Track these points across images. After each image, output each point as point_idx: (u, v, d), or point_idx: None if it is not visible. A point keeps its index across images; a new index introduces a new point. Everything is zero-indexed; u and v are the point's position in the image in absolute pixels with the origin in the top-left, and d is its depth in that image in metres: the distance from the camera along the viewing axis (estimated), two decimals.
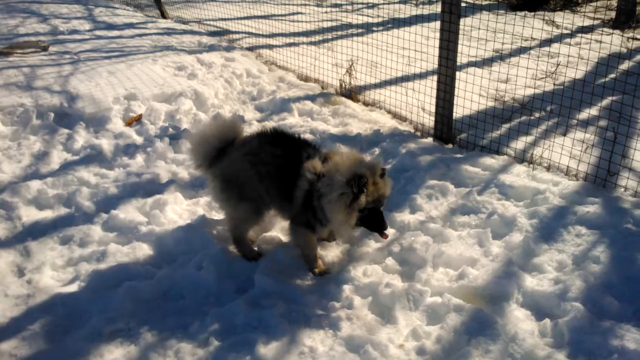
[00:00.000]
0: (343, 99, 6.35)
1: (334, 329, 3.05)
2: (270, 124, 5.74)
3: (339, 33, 8.94)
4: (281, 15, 10.45)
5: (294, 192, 3.37)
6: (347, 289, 3.34)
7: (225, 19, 9.87)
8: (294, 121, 5.76)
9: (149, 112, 5.90)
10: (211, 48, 7.99)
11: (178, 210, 4.24)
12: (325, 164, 3.30)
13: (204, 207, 4.30)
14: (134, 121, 5.78)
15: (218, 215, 4.19)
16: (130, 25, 9.36)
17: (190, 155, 3.79)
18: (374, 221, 3.30)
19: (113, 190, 4.49)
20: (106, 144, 5.25)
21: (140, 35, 8.74)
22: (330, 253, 3.72)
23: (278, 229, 3.99)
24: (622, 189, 4.23)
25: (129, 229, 4.00)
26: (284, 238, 3.86)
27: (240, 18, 9.76)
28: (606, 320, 3.02)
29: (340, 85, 6.57)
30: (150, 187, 4.51)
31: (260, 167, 3.46)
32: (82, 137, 5.43)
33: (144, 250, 3.78)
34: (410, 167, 4.73)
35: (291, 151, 3.46)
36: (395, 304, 3.21)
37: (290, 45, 8.30)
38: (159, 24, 9.50)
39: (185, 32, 9.03)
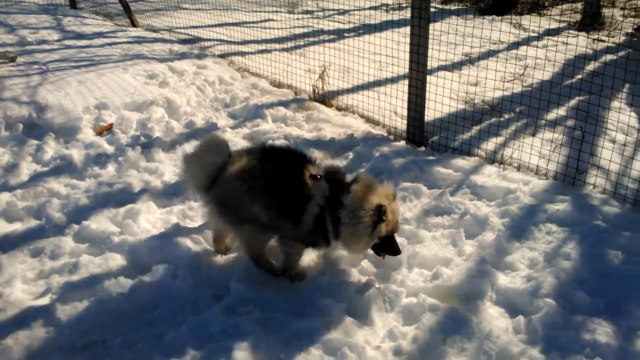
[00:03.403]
0: (316, 104, 6.37)
1: (311, 333, 3.04)
2: (244, 131, 5.72)
3: (311, 39, 8.97)
4: (253, 23, 10.45)
5: (300, 215, 3.27)
6: (323, 293, 3.34)
7: (196, 27, 9.82)
8: (267, 127, 5.76)
9: (120, 121, 5.82)
10: (183, 56, 7.94)
11: (151, 220, 4.19)
12: (346, 191, 3.22)
13: (178, 215, 4.26)
14: (105, 130, 5.70)
15: (192, 223, 4.16)
16: (100, 35, 9.25)
17: (188, 176, 3.63)
18: (388, 247, 3.29)
19: (84, 201, 4.42)
20: (76, 154, 5.17)
21: (110, 44, 8.63)
22: (306, 257, 3.71)
23: None
24: (591, 187, 4.33)
25: (101, 240, 3.94)
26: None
27: (212, 26, 9.72)
28: (578, 315, 3.08)
29: (314, 90, 6.59)
30: (122, 197, 4.45)
31: (252, 186, 3.32)
32: (51, 148, 5.34)
33: (117, 260, 3.73)
34: (383, 170, 4.77)
35: (288, 168, 3.36)
36: (371, 306, 3.21)
37: (262, 52, 8.30)
38: (129, 33, 9.40)
39: (156, 40, 8.96)
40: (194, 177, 3.50)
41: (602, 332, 2.95)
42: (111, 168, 4.98)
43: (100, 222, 4.12)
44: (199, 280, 3.46)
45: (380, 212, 3.13)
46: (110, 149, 5.33)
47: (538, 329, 2.99)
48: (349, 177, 3.43)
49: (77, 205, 4.37)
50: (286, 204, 3.30)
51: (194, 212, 4.28)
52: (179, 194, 4.55)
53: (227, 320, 3.12)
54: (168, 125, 5.82)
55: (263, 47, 8.65)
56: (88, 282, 3.50)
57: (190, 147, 4.24)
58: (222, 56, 8.31)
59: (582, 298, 3.20)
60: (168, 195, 4.56)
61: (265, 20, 10.73)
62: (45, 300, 3.38)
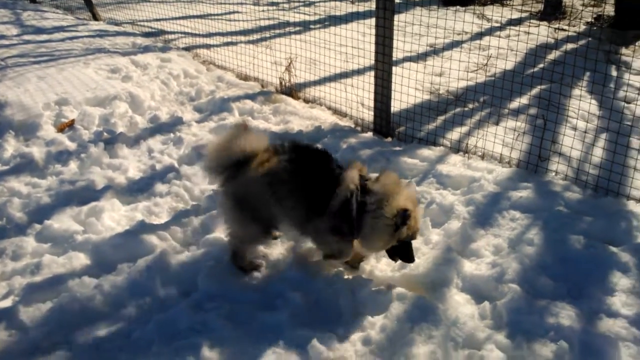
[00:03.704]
0: (283, 96, 6.34)
1: (279, 327, 3.04)
2: (210, 125, 5.65)
3: (277, 31, 8.91)
4: (218, 15, 10.32)
5: (329, 201, 3.16)
6: (291, 286, 3.34)
7: (160, 19, 9.65)
8: (234, 121, 5.70)
9: (81, 117, 5.69)
10: (146, 49, 7.80)
11: (115, 217, 4.11)
12: (372, 183, 3.21)
13: (143, 212, 4.19)
14: (66, 127, 5.56)
15: (158, 219, 4.10)
16: (60, 29, 9.01)
17: (208, 164, 3.44)
18: (404, 252, 3.24)
19: (46, 200, 4.31)
20: (37, 151, 5.04)
21: (70, 39, 8.42)
22: (275, 251, 3.71)
23: (222, 230, 3.92)
24: (553, 174, 4.42)
25: (64, 239, 3.85)
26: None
27: (176, 18, 9.57)
28: (542, 300, 3.15)
29: (280, 83, 6.55)
30: (85, 195, 4.36)
31: (280, 187, 3.22)
32: (11, 146, 5.19)
33: (81, 260, 3.65)
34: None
35: (316, 163, 3.28)
36: (339, 297, 3.23)
37: (228, 44, 8.21)
38: (90, 26, 9.18)
39: (118, 33, 8.78)
40: (218, 161, 3.34)
41: (566, 315, 3.02)
42: (73, 165, 4.87)
43: (63, 221, 4.03)
44: (166, 278, 3.42)
45: (404, 217, 3.08)
46: (72, 145, 5.20)
47: (503, 314, 3.04)
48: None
49: (38, 205, 4.26)
50: (315, 196, 3.19)
51: (159, 209, 4.22)
52: (144, 190, 4.47)
53: (195, 317, 3.09)
54: (132, 120, 5.72)
55: (228, 39, 8.56)
56: (51, 282, 3.43)
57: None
58: (187, 49, 8.19)
59: (546, 283, 3.27)
60: (133, 191, 4.48)
61: (230, 12, 10.61)
62: (7, 303, 3.31)
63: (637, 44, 7.22)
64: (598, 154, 4.59)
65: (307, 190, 3.20)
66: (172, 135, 5.39)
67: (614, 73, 6.31)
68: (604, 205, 3.95)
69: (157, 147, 5.21)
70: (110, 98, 6.07)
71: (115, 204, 4.23)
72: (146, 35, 8.88)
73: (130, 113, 5.91)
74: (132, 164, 4.91)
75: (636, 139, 4.71)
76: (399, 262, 3.47)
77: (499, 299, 3.16)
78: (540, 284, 3.27)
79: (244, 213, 3.30)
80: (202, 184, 4.52)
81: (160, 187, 4.49)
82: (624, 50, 7.00)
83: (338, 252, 3.34)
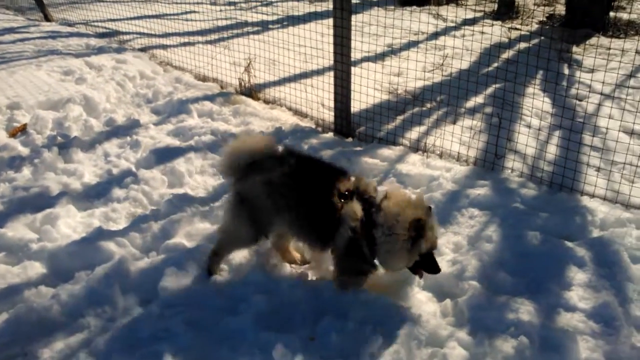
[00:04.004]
0: (243, 97, 6.29)
1: (243, 331, 3.02)
2: (169, 127, 5.56)
3: (236, 31, 8.84)
4: (174, 15, 10.16)
5: (333, 237, 3.08)
6: (254, 289, 3.31)
7: (114, 20, 9.43)
8: (193, 123, 5.62)
9: (34, 121, 5.51)
10: (100, 50, 7.62)
11: (72, 224, 4.00)
12: (378, 209, 3.02)
13: (100, 218, 4.09)
14: (19, 132, 5.37)
15: (116, 225, 4.01)
16: (11, 30, 8.71)
17: (221, 165, 3.41)
18: (428, 264, 3.09)
19: None
20: None
21: (22, 40, 8.15)
22: (238, 255, 3.67)
23: (183, 235, 3.87)
24: (509, 171, 4.53)
25: (19, 248, 3.72)
26: (188, 244, 3.75)
27: (131, 18, 9.36)
28: (502, 296, 3.21)
29: (240, 84, 6.50)
30: (39, 201, 4.22)
31: (278, 198, 3.17)
32: None
33: (36, 269, 3.53)
34: None
35: (318, 183, 3.17)
36: (303, 299, 3.22)
37: (185, 44, 8.09)
38: (42, 28, 8.90)
39: (71, 34, 8.54)
40: (230, 163, 3.27)
41: (525, 310, 3.08)
42: (26, 171, 4.71)
43: (17, 229, 3.90)
44: (125, 285, 3.34)
45: (418, 227, 2.92)
46: (24, 151, 5.03)
47: (464, 311, 3.10)
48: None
49: None
50: (315, 225, 3.14)
51: (117, 214, 4.12)
52: (100, 195, 4.37)
53: (157, 324, 3.03)
54: (86, 123, 5.57)
55: (186, 39, 8.44)
56: (6, 293, 3.31)
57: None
58: (143, 50, 8.04)
59: (505, 279, 3.34)
60: (89, 197, 4.36)
61: (187, 12, 10.46)
62: None
63: (587, 42, 7.47)
64: (552, 150, 4.74)
65: (304, 213, 3.14)
66: (128, 138, 5.27)
67: (566, 71, 6.52)
68: (558, 201, 4.08)
69: (114, 151, 5.09)
70: (63, 101, 5.90)
71: (71, 211, 4.11)
72: (100, 36, 8.67)
73: (85, 116, 5.76)
74: (87, 168, 4.78)
75: (588, 136, 4.88)
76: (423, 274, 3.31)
77: (460, 296, 3.21)
78: (499, 280, 3.34)
79: (243, 212, 3.27)
80: (161, 188, 4.44)
81: (117, 192, 4.39)
82: (575, 49, 7.24)
83: (353, 284, 3.24)
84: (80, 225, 4.01)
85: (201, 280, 3.41)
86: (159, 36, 8.61)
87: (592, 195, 4.15)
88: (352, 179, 3.20)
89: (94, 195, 4.38)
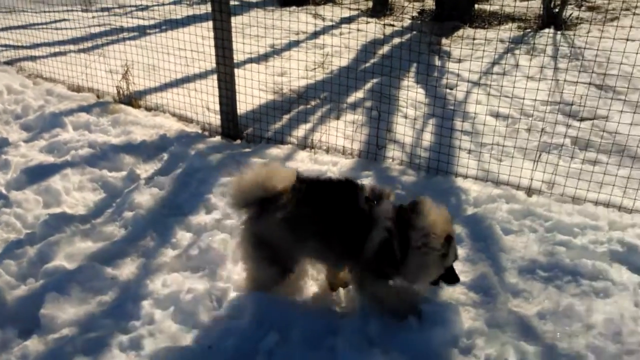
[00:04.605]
0: (123, 106, 6.05)
1: (137, 349, 2.91)
2: (41, 143, 5.20)
3: (111, 38, 8.45)
4: (44, 24, 9.50)
5: (363, 243, 2.91)
6: (146, 304, 3.20)
7: None
8: (68, 136, 5.31)
9: None
10: None
11: None
12: (414, 216, 2.91)
13: None
14: None
15: None
16: None
17: (232, 201, 3.20)
18: (449, 276, 3.05)
19: None
20: None
21: None
22: (125, 271, 3.53)
23: (63, 257, 3.64)
24: (390, 160, 4.76)
25: None
26: (69, 265, 3.53)
27: None
28: None
29: (118, 92, 6.24)
30: None
31: (300, 229, 2.98)
32: None
33: None
34: (201, 168, 4.71)
35: (340, 199, 3.00)
36: (198, 308, 3.17)
37: (56, 54, 7.61)
38: None
39: None
40: (243, 199, 3.10)
41: None
42: None
43: None
44: (3, 316, 3.10)
45: (450, 243, 2.89)
46: None
47: (356, 298, 3.20)
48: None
49: None
50: (347, 238, 2.94)
51: None
52: None
53: (43, 355, 2.85)
54: None
55: (57, 49, 7.93)
56: None
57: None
58: (9, 63, 7.47)
59: None
60: None
61: (57, 21, 9.83)
62: None
63: (455, 34, 7.99)
64: (427, 138, 5.03)
65: (331, 231, 2.95)
66: None
67: (437, 62, 6.93)
68: (435, 184, 4.34)
69: None
70: None
71: None
72: None
73: None
74: None
75: (459, 121, 5.23)
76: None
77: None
78: None
79: (264, 253, 3.07)
80: (35, 209, 4.15)
81: None
82: (444, 41, 7.71)
83: (381, 297, 3.06)
84: None
85: (85, 299, 3.25)
86: (27, 47, 8.03)
87: (465, 176, 4.46)
88: (368, 187, 3.09)
89: None
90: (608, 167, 4.40)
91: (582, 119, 5.14)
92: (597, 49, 5.32)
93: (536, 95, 4.97)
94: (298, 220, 2.96)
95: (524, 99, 5.31)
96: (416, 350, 2.84)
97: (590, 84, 5.42)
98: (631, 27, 4.94)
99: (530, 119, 5.27)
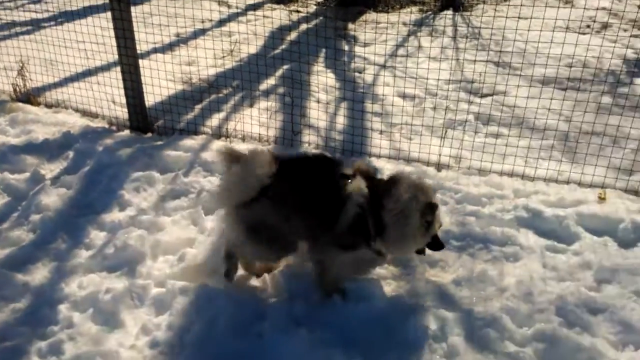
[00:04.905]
0: (20, 104, 5.69)
1: (57, 354, 2.81)
2: None
3: (3, 33, 7.87)
4: None
5: (337, 217, 2.94)
6: (63, 308, 3.08)
7: None
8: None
9: None
10: None
11: None
12: (392, 190, 2.96)
13: None
14: None
15: None
16: None
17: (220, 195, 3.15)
18: (434, 243, 3.14)
19: None
20: None
21: None
22: (37, 276, 3.36)
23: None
24: (306, 145, 4.81)
25: None
26: None
27: None
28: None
29: (14, 90, 5.85)
30: None
31: (283, 208, 2.97)
32: None
33: None
34: (111, 164, 4.54)
35: (317, 176, 3.03)
36: (119, 307, 3.09)
37: None
38: None
39: None
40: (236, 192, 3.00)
41: None
42: None
43: None
44: None
45: (433, 212, 2.96)
46: None
47: (281, 282, 3.24)
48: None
49: None
50: (322, 212, 2.96)
51: None
52: None
53: None
54: None
55: None
56: None
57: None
58: None
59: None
60: None
61: None
62: None
63: (360, 18, 8.14)
64: (341, 121, 5.13)
65: (310, 204, 2.97)
66: None
67: (345, 47, 7.05)
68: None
69: None
70: None
71: None
72: None
73: None
74: None
75: (370, 104, 5.37)
76: (178, 254, 3.46)
77: (277, 269, 3.35)
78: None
79: (262, 236, 3.03)
80: None
81: None
82: (350, 26, 7.84)
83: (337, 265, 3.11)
84: None
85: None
86: None
87: (379, 156, 4.61)
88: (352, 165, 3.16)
89: None
90: (509, 139, 4.70)
91: (483, 95, 5.44)
92: (492, 28, 5.65)
93: (439, 75, 5.20)
94: (281, 200, 2.97)
95: (427, 78, 5.54)
96: (341, 326, 2.94)
97: (488, 61, 5.74)
98: (522, 5, 5.27)
99: (435, 97, 5.51)
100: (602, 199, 3.87)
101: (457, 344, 2.79)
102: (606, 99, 4.93)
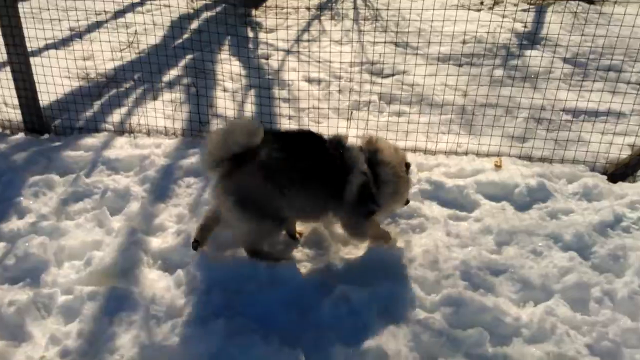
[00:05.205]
0: None
1: None
2: None
3: None
4: None
5: (343, 189, 3.15)
6: None
7: None
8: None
9: None
10: None
11: None
12: (377, 154, 3.21)
13: None
14: None
15: None
16: None
17: (205, 158, 3.14)
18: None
19: None
20: None
21: None
22: None
23: None
24: None
25: None
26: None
27: None
28: (227, 250, 3.41)
29: None
30: None
31: (279, 179, 3.06)
32: None
33: None
34: (6, 170, 4.28)
35: (312, 150, 3.18)
36: (24, 319, 2.94)
37: None
38: None
39: None
40: (216, 155, 3.04)
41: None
42: None
43: None
44: None
45: (409, 168, 3.36)
46: None
47: (196, 275, 3.19)
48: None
49: None
50: (326, 185, 3.15)
51: None
52: None
53: None
54: None
55: None
56: None
57: None
58: None
59: (227, 234, 3.52)
60: None
61: None
62: None
63: (264, 5, 8.09)
64: (249, 109, 5.10)
65: (310, 176, 3.12)
66: None
67: (250, 34, 6.99)
68: None
69: None
70: None
71: None
72: None
73: None
74: None
75: (277, 90, 5.37)
76: (85, 258, 3.33)
77: (190, 263, 3.30)
78: (221, 236, 3.48)
79: (253, 210, 3.11)
80: None
81: None
82: (255, 12, 7.77)
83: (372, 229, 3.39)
84: None
85: None
86: None
87: None
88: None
89: None
90: (411, 117, 4.88)
91: (385, 76, 5.59)
92: (388, 9, 5.78)
93: (340, 58, 5.28)
94: (272, 168, 3.05)
95: (330, 61, 5.61)
96: (259, 313, 2.95)
97: (388, 42, 5.90)
98: None
99: (341, 80, 5.60)
100: (498, 167, 4.12)
101: (370, 319, 2.88)
102: (499, 72, 5.23)
